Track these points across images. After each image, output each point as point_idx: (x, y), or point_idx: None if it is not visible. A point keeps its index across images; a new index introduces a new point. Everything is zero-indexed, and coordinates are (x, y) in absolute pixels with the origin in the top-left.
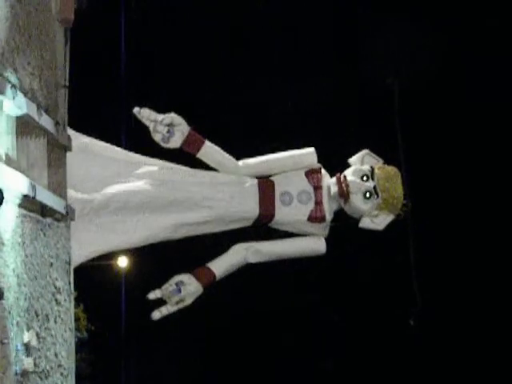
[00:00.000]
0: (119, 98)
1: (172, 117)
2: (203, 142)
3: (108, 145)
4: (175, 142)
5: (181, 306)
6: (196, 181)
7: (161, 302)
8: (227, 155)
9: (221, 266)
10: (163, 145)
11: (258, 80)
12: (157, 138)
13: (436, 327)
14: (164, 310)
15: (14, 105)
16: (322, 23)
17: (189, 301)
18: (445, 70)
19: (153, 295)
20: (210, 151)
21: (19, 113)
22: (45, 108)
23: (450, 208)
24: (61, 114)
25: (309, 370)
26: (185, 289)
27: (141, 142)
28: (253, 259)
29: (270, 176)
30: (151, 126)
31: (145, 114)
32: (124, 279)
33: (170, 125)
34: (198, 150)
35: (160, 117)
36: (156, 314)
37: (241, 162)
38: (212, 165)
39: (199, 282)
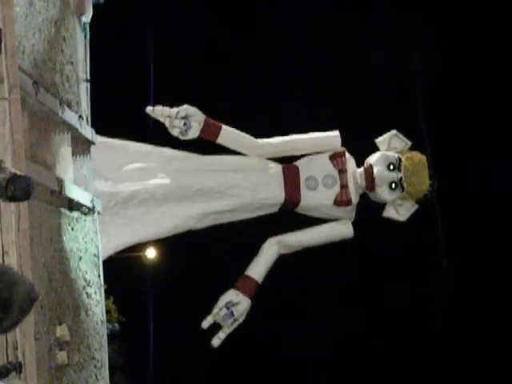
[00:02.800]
0: (145, 89)
1: (186, 108)
2: (220, 127)
3: (130, 142)
4: (193, 133)
5: (236, 325)
6: (221, 170)
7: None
8: (247, 136)
9: (260, 270)
10: (182, 138)
11: (282, 63)
12: (175, 132)
13: (466, 306)
14: (222, 335)
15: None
16: (345, 5)
17: (242, 318)
18: (469, 47)
19: (206, 323)
20: (228, 135)
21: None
22: (67, 103)
23: (477, 185)
24: (83, 108)
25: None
26: (237, 310)
27: (166, 135)
28: (284, 251)
29: (292, 161)
30: (167, 123)
31: (158, 112)
32: (152, 270)
33: (186, 117)
34: (217, 135)
35: (174, 111)
36: (216, 342)
37: (262, 142)
38: (233, 148)
39: (246, 296)
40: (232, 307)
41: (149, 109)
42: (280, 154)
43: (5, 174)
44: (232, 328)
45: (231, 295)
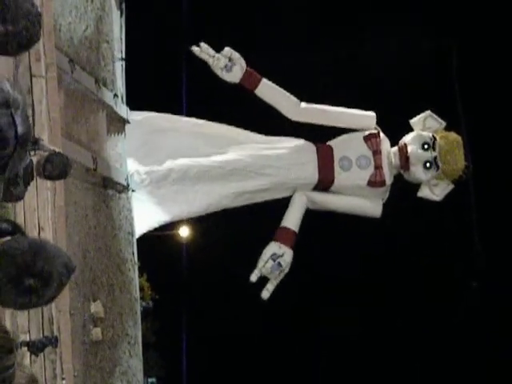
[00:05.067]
0: (179, 65)
1: (231, 51)
2: (261, 79)
3: (165, 115)
4: (235, 76)
5: (282, 276)
6: (255, 149)
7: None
8: (286, 93)
9: (294, 219)
10: (223, 75)
11: (318, 41)
12: (220, 64)
13: (499, 289)
14: (271, 287)
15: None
16: None
17: (288, 269)
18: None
19: (254, 277)
20: (267, 88)
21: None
22: (103, 81)
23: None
24: (119, 86)
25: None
26: (284, 260)
27: (201, 110)
28: (311, 206)
29: (325, 138)
30: (210, 61)
31: (204, 49)
32: (186, 248)
33: (229, 59)
34: (256, 86)
35: (218, 53)
36: (265, 294)
37: (303, 103)
38: (270, 102)
39: (288, 246)
40: (278, 258)
41: (194, 47)
42: (315, 120)
43: (43, 151)
44: (279, 279)
45: (274, 247)
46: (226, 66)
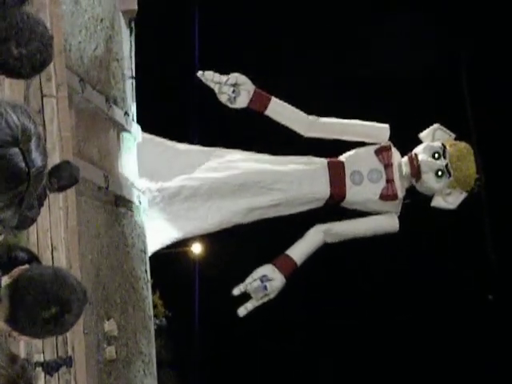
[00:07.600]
0: (190, 90)
1: (236, 76)
2: (270, 99)
3: (174, 142)
4: (242, 102)
5: (265, 300)
6: (266, 165)
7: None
8: (297, 110)
9: (301, 252)
10: (230, 105)
11: (326, 49)
12: (223, 99)
13: None
14: (249, 306)
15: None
16: None
17: (273, 295)
18: None
19: (237, 291)
20: (277, 107)
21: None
22: (113, 99)
23: None
24: (129, 104)
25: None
26: (270, 285)
27: (210, 134)
28: (330, 240)
29: (337, 155)
30: (216, 88)
31: (209, 77)
32: (198, 265)
33: (235, 85)
34: (266, 107)
35: (224, 78)
36: (242, 311)
37: (313, 118)
38: (282, 121)
39: (282, 273)
40: (266, 282)
41: (199, 73)
42: (328, 134)
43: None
44: (261, 302)
45: (268, 269)
46: (233, 92)
